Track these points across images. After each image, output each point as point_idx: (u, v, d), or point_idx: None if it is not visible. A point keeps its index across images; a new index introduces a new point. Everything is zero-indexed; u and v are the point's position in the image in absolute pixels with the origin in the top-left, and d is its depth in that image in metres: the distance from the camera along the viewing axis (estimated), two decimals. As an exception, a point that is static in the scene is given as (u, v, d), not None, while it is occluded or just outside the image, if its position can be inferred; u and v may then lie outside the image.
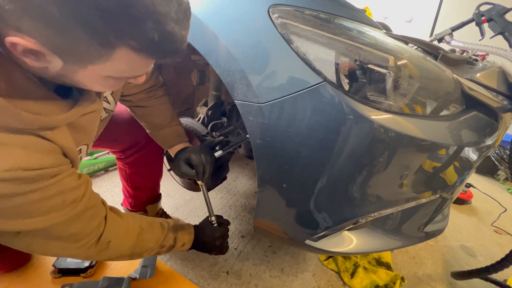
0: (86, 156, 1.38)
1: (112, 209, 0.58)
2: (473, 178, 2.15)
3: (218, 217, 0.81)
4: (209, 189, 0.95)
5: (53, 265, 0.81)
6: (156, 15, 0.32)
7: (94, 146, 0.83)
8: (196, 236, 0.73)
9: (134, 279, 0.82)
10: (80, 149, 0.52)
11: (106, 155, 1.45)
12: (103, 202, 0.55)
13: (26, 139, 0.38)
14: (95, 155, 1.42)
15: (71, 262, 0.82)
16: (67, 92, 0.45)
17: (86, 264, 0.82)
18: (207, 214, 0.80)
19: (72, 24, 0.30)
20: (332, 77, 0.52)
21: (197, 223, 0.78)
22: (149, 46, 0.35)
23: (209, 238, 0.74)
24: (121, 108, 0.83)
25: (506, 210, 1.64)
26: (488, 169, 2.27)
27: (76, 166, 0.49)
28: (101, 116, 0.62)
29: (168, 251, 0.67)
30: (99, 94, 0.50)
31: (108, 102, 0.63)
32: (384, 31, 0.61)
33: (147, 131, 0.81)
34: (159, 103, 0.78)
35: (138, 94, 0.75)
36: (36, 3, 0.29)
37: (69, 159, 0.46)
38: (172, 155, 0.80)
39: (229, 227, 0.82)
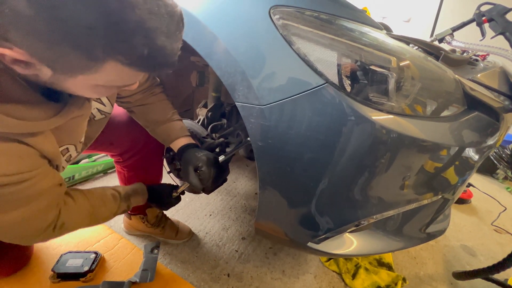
0: (85, 159, 1.37)
1: (66, 192, 0.59)
2: (472, 177, 2.15)
3: (181, 193, 0.85)
4: (208, 193, 0.94)
5: (52, 270, 0.80)
6: (146, 30, 0.32)
7: (92, 149, 0.83)
8: (149, 195, 0.79)
9: (134, 283, 0.81)
10: (67, 148, 0.53)
11: (105, 158, 1.44)
12: (61, 183, 0.55)
13: (7, 146, 0.38)
14: (94, 158, 1.41)
15: (70, 267, 0.81)
16: (57, 94, 0.45)
17: (86, 268, 0.82)
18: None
19: (60, 39, 0.30)
20: (334, 78, 0.52)
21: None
22: (138, 60, 0.35)
23: (161, 204, 0.82)
24: (118, 111, 0.82)
25: (505, 209, 1.64)
26: (487, 168, 2.27)
27: (56, 162, 0.49)
28: (94, 117, 0.61)
29: (123, 213, 0.74)
30: (88, 98, 0.50)
31: (104, 104, 0.63)
32: (385, 31, 0.60)
33: (148, 129, 0.80)
34: (158, 100, 0.78)
35: (135, 95, 0.74)
36: (23, 19, 0.28)
37: (48, 158, 0.47)
38: (175, 150, 0.78)
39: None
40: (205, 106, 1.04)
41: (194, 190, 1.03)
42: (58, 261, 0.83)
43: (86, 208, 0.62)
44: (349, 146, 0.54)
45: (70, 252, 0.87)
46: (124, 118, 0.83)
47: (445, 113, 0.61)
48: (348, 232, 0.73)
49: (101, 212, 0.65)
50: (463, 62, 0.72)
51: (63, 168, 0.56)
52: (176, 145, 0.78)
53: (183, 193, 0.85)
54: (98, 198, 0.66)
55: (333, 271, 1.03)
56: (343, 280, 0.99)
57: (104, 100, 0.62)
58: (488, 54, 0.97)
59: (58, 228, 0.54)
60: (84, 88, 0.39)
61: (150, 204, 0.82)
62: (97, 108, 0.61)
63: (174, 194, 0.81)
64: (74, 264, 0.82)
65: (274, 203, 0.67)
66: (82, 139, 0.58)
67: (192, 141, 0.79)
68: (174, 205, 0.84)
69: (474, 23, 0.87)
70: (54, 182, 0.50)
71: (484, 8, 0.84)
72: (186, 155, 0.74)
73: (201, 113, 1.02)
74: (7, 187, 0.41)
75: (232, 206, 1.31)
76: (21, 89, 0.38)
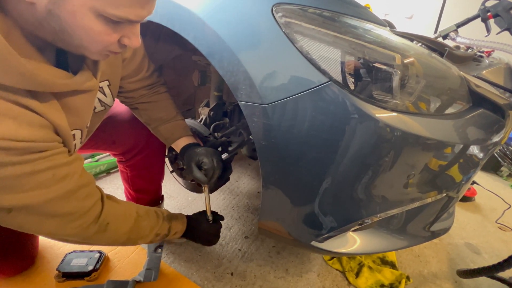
0: (88, 159, 1.38)
1: (108, 195, 0.59)
2: (477, 174, 2.14)
3: (214, 214, 0.84)
4: (211, 191, 0.94)
5: (57, 269, 0.81)
6: None
7: (94, 148, 0.83)
8: (189, 227, 0.76)
9: (138, 282, 0.82)
10: (74, 134, 0.52)
11: (108, 157, 1.45)
12: (98, 187, 0.56)
13: (17, 110, 0.38)
14: (97, 157, 1.42)
15: (75, 266, 0.82)
16: (66, 61, 0.46)
17: (90, 267, 0.82)
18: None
19: None
20: (337, 76, 0.51)
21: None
22: None
23: (202, 233, 0.78)
24: (121, 109, 0.82)
25: (510, 206, 1.63)
26: (491, 165, 2.25)
27: (69, 147, 0.49)
28: (95, 108, 0.61)
29: (161, 239, 0.70)
30: (95, 73, 0.49)
31: (105, 95, 0.62)
32: (389, 28, 0.60)
33: (150, 127, 0.79)
34: (163, 99, 0.78)
35: (140, 90, 0.74)
36: None
37: (62, 138, 0.46)
38: (178, 150, 0.78)
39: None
40: (207, 105, 1.04)
41: (196, 189, 1.03)
42: (63, 260, 0.84)
43: (131, 213, 0.61)
44: (353, 145, 0.54)
45: (74, 252, 0.87)
46: (126, 117, 0.83)
47: (449, 110, 0.60)
48: (351, 231, 0.73)
49: (143, 225, 0.63)
50: (468, 59, 0.71)
51: None
52: (179, 144, 0.78)
53: (220, 217, 0.84)
54: (143, 209, 0.65)
55: (337, 269, 1.03)
56: (347, 279, 0.99)
57: (106, 90, 0.62)
58: (493, 51, 0.96)
59: (102, 227, 0.53)
60: (83, 16, 0.36)
61: (191, 240, 0.79)
62: (98, 98, 0.61)
63: (209, 217, 0.81)
64: (79, 263, 0.83)
65: (277, 202, 0.67)
66: (88, 124, 0.58)
67: (195, 141, 0.79)
68: (215, 234, 0.80)
69: (479, 19, 0.86)
70: (71, 158, 0.48)
71: (489, 4, 0.83)
72: (187, 154, 0.75)
73: (203, 112, 1.01)
74: (18, 156, 0.38)
75: (234, 205, 1.31)
76: (35, 51, 0.38)
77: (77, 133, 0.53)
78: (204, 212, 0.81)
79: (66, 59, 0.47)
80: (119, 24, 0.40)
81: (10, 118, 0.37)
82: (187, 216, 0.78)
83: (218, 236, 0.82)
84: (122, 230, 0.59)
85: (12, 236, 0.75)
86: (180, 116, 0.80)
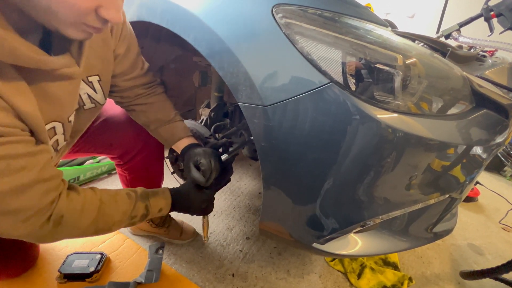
0: (89, 160, 1.38)
1: (71, 186, 0.53)
2: (480, 175, 2.12)
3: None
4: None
5: (59, 271, 0.81)
6: None
7: (91, 151, 0.83)
8: (176, 200, 0.68)
9: (139, 283, 0.82)
10: (54, 127, 0.48)
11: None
12: (63, 180, 0.50)
13: None
14: (98, 159, 1.42)
15: (77, 268, 0.82)
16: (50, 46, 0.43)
17: (92, 269, 0.82)
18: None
19: None
20: (338, 77, 0.51)
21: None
22: None
23: (193, 202, 0.70)
24: (117, 111, 0.82)
25: (513, 207, 1.62)
26: (494, 165, 2.24)
27: (42, 139, 0.44)
28: (84, 104, 0.59)
29: (142, 220, 0.62)
30: (78, 60, 0.46)
31: (95, 91, 0.59)
32: (390, 28, 0.59)
33: (148, 128, 0.78)
34: (160, 100, 0.77)
35: (135, 89, 0.73)
36: None
37: (29, 126, 0.41)
38: (179, 151, 0.77)
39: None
40: (208, 106, 1.04)
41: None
42: (64, 262, 0.84)
43: (93, 202, 0.53)
44: (354, 146, 0.53)
45: (76, 253, 0.87)
46: (123, 119, 0.82)
47: (452, 111, 0.60)
48: (353, 233, 0.72)
49: (111, 211, 0.55)
50: (470, 59, 0.71)
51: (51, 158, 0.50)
52: (179, 145, 0.77)
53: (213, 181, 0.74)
54: (109, 194, 0.57)
55: (338, 270, 1.02)
56: (349, 280, 0.99)
57: (96, 85, 0.59)
58: (496, 50, 0.95)
59: (55, 221, 0.46)
60: None
61: (184, 212, 0.71)
62: (87, 94, 0.58)
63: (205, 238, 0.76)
64: (80, 265, 0.83)
65: (278, 203, 0.66)
66: (72, 118, 0.54)
67: (195, 141, 0.79)
68: (208, 200, 0.72)
69: (482, 18, 0.85)
70: (36, 149, 0.43)
71: (492, 3, 0.82)
72: (186, 154, 0.74)
73: (204, 113, 1.01)
74: None
75: (236, 206, 1.31)
76: (15, 33, 0.35)
77: (58, 126, 0.49)
78: (190, 180, 0.73)
79: (51, 47, 0.43)
80: None
81: None
82: (172, 189, 0.70)
83: (212, 203, 0.74)
84: (83, 222, 0.51)
85: (13, 237, 0.75)
86: (179, 117, 0.80)
